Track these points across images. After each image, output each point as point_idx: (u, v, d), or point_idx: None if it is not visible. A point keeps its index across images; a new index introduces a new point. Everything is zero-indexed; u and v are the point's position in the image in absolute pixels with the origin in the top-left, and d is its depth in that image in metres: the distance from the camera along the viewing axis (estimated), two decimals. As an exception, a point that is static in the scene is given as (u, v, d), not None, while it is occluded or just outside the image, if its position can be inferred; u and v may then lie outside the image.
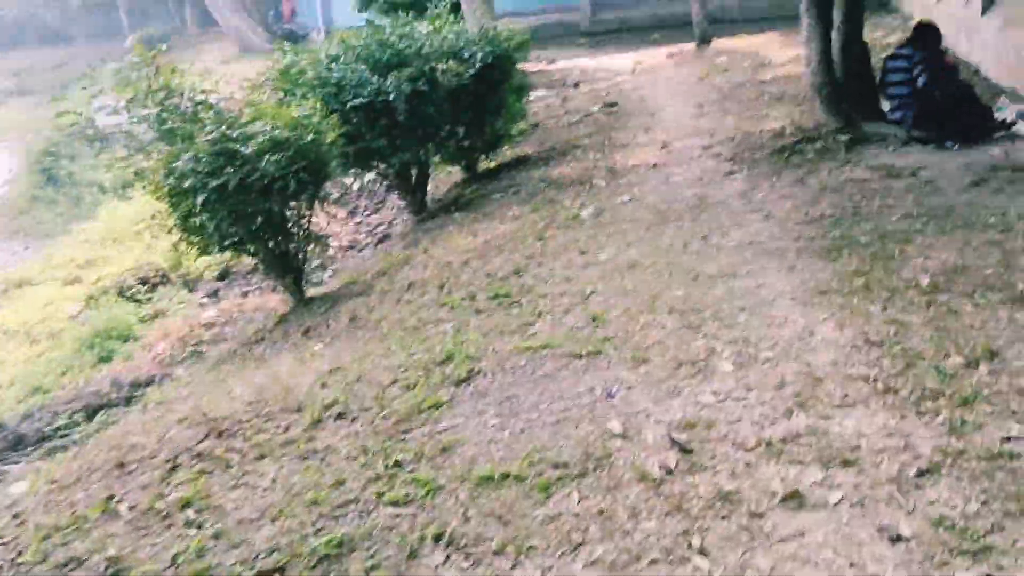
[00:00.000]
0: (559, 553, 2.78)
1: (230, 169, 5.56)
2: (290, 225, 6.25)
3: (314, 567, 2.88)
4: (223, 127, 5.73)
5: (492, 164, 10.15)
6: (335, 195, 14.83)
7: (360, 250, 11.84)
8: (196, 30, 34.26)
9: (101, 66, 28.40)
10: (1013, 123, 7.42)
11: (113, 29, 33.91)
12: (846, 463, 3.01)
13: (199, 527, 3.22)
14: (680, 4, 19.38)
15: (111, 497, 3.53)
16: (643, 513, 2.91)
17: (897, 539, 2.62)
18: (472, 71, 8.55)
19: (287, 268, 6.29)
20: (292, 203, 6.20)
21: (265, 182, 5.70)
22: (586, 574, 2.68)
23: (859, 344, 3.86)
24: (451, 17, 9.07)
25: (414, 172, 8.38)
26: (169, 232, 6.21)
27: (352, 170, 8.17)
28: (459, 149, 9.62)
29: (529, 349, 4.23)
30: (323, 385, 4.24)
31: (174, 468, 3.76)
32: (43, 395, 7.88)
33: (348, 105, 7.31)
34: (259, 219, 5.94)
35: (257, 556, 2.98)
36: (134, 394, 7.84)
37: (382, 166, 8.15)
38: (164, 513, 3.35)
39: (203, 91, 6.08)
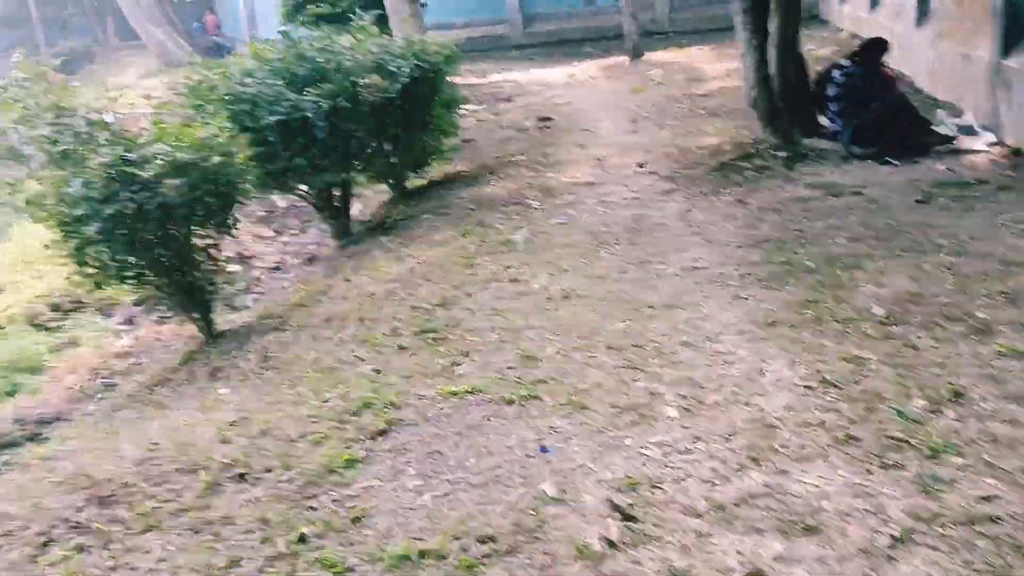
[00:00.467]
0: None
1: (126, 195, 5.05)
2: (196, 254, 5.73)
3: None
4: (119, 149, 5.20)
5: (422, 182, 9.74)
6: (261, 213, 14.27)
7: (287, 271, 11.30)
8: (118, 43, 33.19)
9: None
10: (953, 137, 7.27)
11: (34, 42, 32.59)
12: (809, 530, 2.67)
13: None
14: (612, 17, 19.27)
15: (-34, 584, 3.02)
16: (583, 598, 2.52)
17: (872, 626, 2.28)
18: (398, 86, 8.13)
19: (194, 301, 5.78)
20: (198, 230, 5.69)
21: (166, 209, 5.20)
22: None
23: (813, 384, 3.55)
24: (376, 30, 8.61)
25: (337, 193, 7.90)
26: (63, 264, 5.65)
27: (272, 192, 7.67)
28: (386, 167, 9.19)
29: (455, 395, 3.82)
30: (224, 440, 3.76)
31: (47, 543, 3.25)
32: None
33: (263, 122, 6.83)
34: (160, 249, 5.42)
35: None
36: (39, 432, 7.23)
37: (302, 187, 7.67)
38: (27, 604, 2.86)
39: (97, 110, 5.53)
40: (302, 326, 5.30)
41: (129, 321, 10.58)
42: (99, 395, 7.97)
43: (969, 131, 7.48)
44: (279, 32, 7.90)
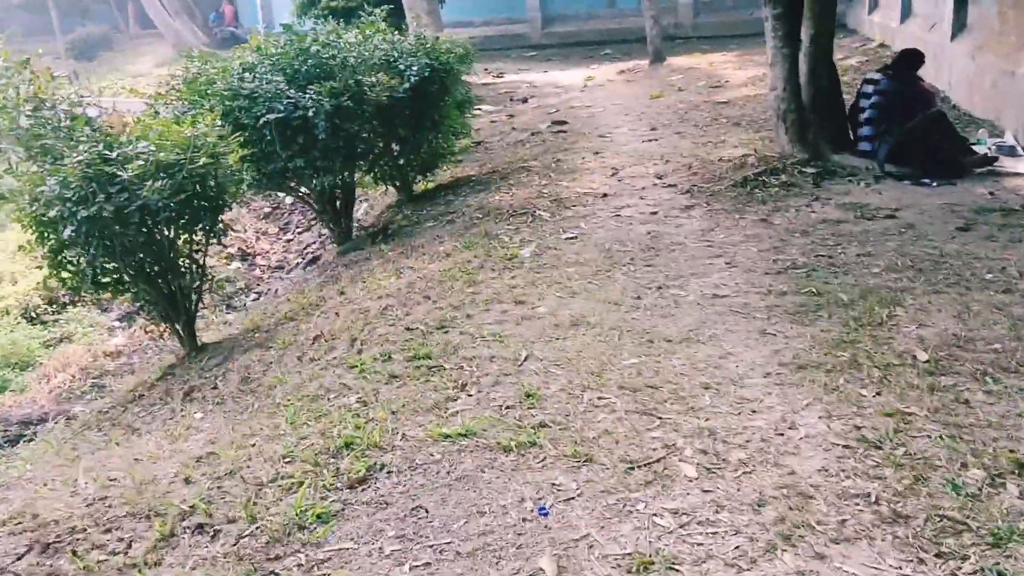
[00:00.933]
0: None
1: (102, 197, 4.66)
2: (181, 261, 5.35)
3: None
4: (99, 146, 4.82)
5: (429, 185, 9.35)
6: (267, 209, 13.90)
7: (289, 271, 10.97)
8: (138, 31, 32.89)
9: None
10: (994, 159, 6.83)
11: (63, 28, 32.35)
12: (852, 636, 2.25)
13: None
14: (633, 19, 18.83)
15: None
16: None
17: None
18: (407, 85, 7.73)
19: (176, 311, 5.39)
20: (184, 235, 5.31)
21: (147, 212, 4.81)
22: None
23: (852, 444, 3.12)
24: (384, 25, 8.21)
25: (338, 196, 7.50)
26: (39, 268, 5.28)
27: (269, 194, 7.29)
28: (393, 168, 8.81)
29: (447, 437, 3.40)
30: (187, 480, 3.37)
31: (-22, 596, 2.88)
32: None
33: (261, 121, 6.44)
34: (142, 254, 5.04)
35: None
36: (23, 433, 6.89)
37: (302, 189, 7.28)
38: None
39: (78, 103, 5.15)
40: (288, 344, 4.91)
41: (127, 317, 10.24)
42: (87, 396, 7.64)
43: (1011, 152, 7.04)
44: (280, 25, 7.46)
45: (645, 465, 3.10)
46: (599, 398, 3.63)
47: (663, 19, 16.80)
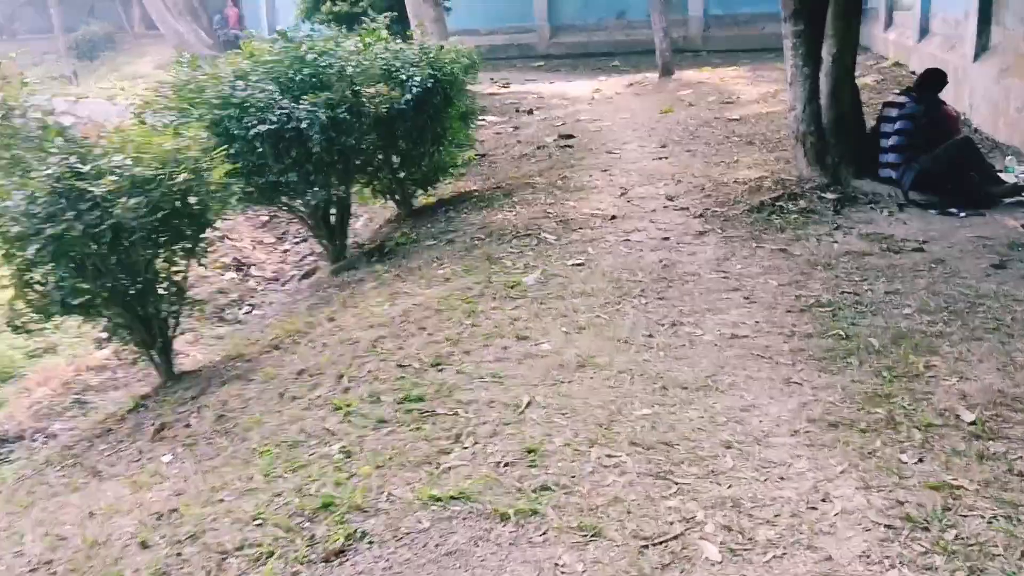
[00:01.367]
0: None
1: (71, 214, 4.31)
2: (159, 283, 4.99)
3: None
4: (71, 159, 4.47)
5: (430, 199, 8.99)
6: (265, 217, 13.50)
7: (284, 283, 10.62)
8: (143, 30, 32.61)
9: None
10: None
11: (65, 26, 32.07)
12: None
13: None
14: (642, 31, 18.51)
15: None
16: None
17: None
18: (409, 96, 7.39)
19: (152, 337, 5.02)
20: (164, 255, 4.95)
21: (121, 231, 4.45)
22: None
23: (896, 523, 2.75)
24: (385, 33, 7.87)
25: (333, 212, 7.14)
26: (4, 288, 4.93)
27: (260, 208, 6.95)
28: (393, 182, 8.46)
29: (438, 500, 3.03)
30: (143, 543, 3.00)
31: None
32: None
33: (252, 132, 6.08)
34: (115, 276, 4.67)
35: None
36: (-1, 453, 6.54)
37: (295, 204, 6.92)
38: None
39: (50, 111, 4.79)
40: (270, 377, 4.54)
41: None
42: (68, 413, 7.28)
43: (1042, 182, 6.68)
44: (275, 31, 7.12)
45: (661, 543, 2.73)
46: (608, 456, 3.26)
47: (673, 32, 16.47)
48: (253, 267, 11.72)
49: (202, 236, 5.01)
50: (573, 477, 3.13)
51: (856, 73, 11.95)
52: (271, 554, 2.82)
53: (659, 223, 6.52)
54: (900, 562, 2.57)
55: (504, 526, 2.87)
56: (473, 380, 4.03)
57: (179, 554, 2.90)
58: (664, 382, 3.86)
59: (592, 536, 2.78)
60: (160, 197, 4.54)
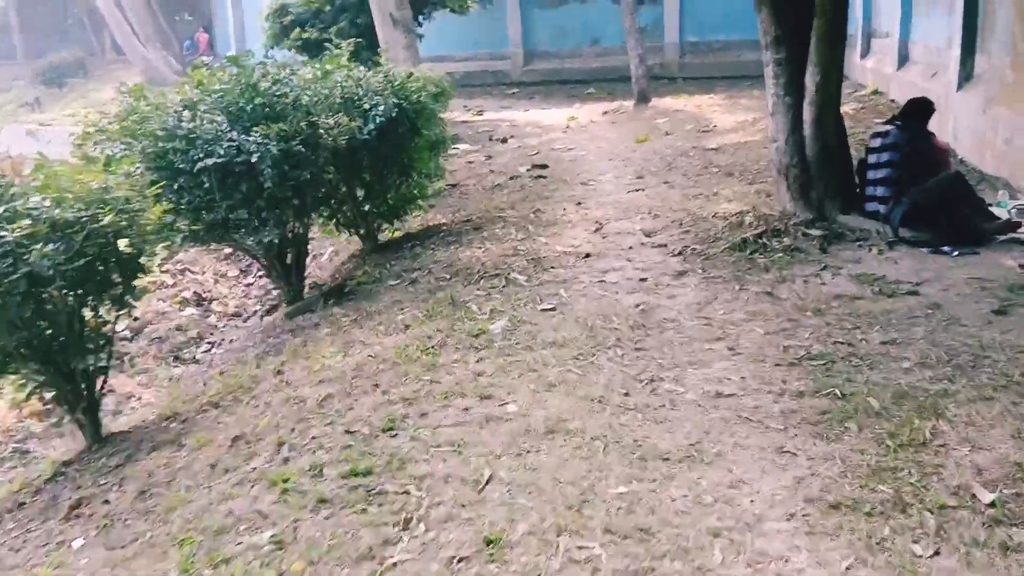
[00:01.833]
0: None
1: (-22, 263, 3.85)
2: (86, 336, 4.51)
3: None
4: (-17, 200, 4.01)
5: (396, 234, 8.58)
6: (228, 250, 13.01)
7: (246, 319, 10.16)
8: (114, 56, 32.16)
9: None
10: (1018, 223, 6.14)
11: (28, 51, 31.57)
12: None
13: None
14: (617, 58, 18.28)
15: None
16: None
17: None
18: (372, 126, 6.99)
19: (76, 396, 4.54)
20: (93, 303, 4.48)
21: (37, 280, 3.99)
22: None
23: (915, 638, 2.34)
24: (344, 60, 7.48)
25: (288, 251, 6.69)
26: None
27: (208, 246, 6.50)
28: (357, 216, 8.05)
29: (378, 608, 2.59)
30: (28, 664, 2.53)
31: None
32: None
33: (198, 166, 5.65)
34: (34, 329, 4.21)
35: None
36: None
37: (249, 240, 6.46)
38: None
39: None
40: (204, 443, 4.07)
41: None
42: (7, 464, 6.77)
43: (1034, 216, 6.36)
44: (225, 58, 6.70)
45: (640, 666, 2.30)
46: (579, 548, 2.83)
47: (649, 59, 16.22)
48: (215, 302, 11.24)
49: (134, 284, 4.54)
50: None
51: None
52: None
53: (636, 262, 6.13)
54: None
55: (455, 643, 2.43)
56: (429, 449, 3.59)
57: None
58: (643, 451, 3.44)
59: (559, 657, 2.35)
60: (83, 242, 4.08)
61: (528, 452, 3.49)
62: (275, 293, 10.42)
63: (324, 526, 3.09)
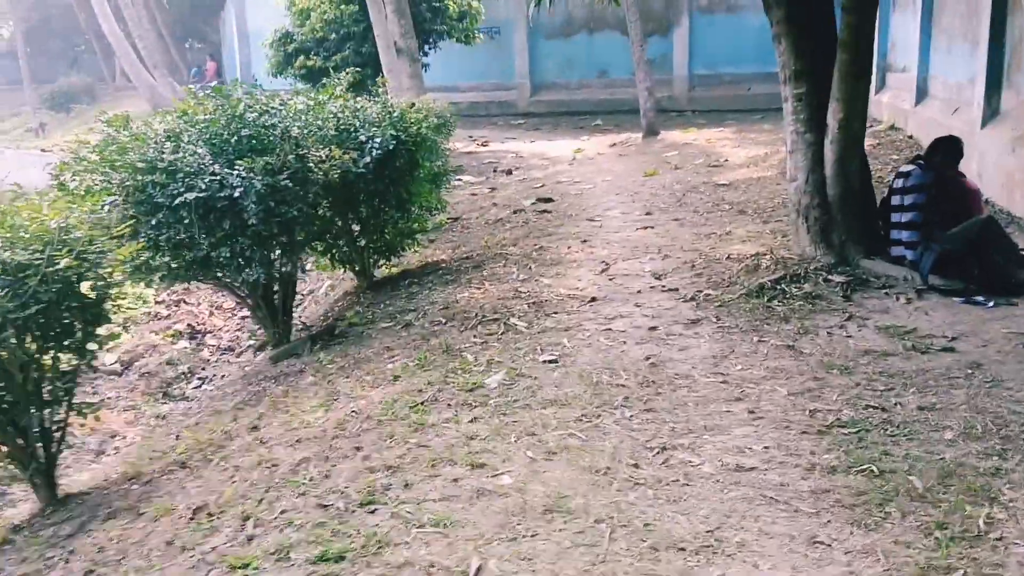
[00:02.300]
0: None
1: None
2: (40, 389, 4.11)
3: None
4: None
5: (393, 270, 8.20)
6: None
7: (239, 353, 9.77)
8: (124, 82, 32.09)
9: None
10: (1056, 273, 5.72)
11: (39, 77, 31.50)
12: None
13: None
14: (625, 90, 18.00)
15: None
16: None
17: None
18: (368, 159, 6.63)
19: (28, 455, 4.12)
20: (47, 354, 4.08)
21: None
22: None
23: None
24: (340, 90, 7.13)
25: (276, 290, 6.30)
26: None
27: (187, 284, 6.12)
28: (352, 251, 7.67)
29: None
30: None
31: None
32: None
33: (177, 200, 5.27)
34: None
35: None
36: None
37: (233, 279, 6.07)
38: None
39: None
40: (163, 513, 3.65)
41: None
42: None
43: (1073, 264, 5.93)
44: (210, 87, 6.35)
45: None
46: (580, 665, 2.40)
47: (657, 91, 15.91)
48: (208, 334, 10.87)
49: (97, 332, 4.14)
50: None
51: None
52: None
53: (645, 307, 5.73)
54: None
55: None
56: (411, 529, 3.16)
57: None
58: (655, 539, 3.00)
59: None
60: (37, 288, 3.69)
61: (523, 537, 3.06)
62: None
63: (285, 627, 2.67)
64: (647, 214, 9.04)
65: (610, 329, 5.33)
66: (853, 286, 5.75)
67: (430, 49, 16.19)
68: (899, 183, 6.18)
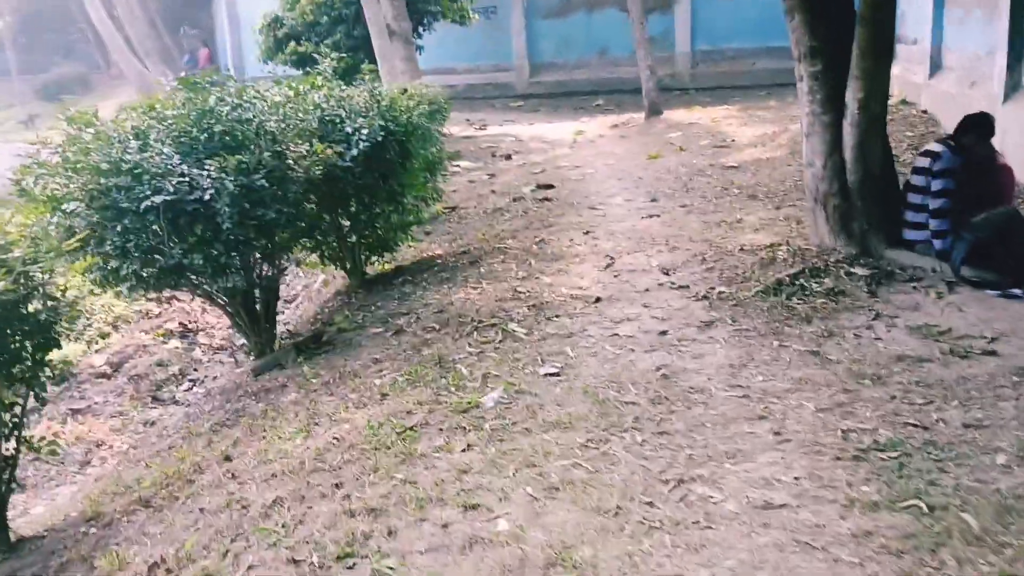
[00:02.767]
0: None
1: None
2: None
3: None
4: None
5: (387, 267, 7.77)
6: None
7: (231, 353, 9.42)
8: (119, 72, 31.58)
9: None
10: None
11: (33, 66, 31.02)
12: None
13: None
14: (626, 68, 17.49)
15: None
16: None
17: None
18: (354, 152, 6.20)
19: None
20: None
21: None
22: None
23: None
24: (321, 80, 6.68)
25: (257, 297, 5.88)
26: None
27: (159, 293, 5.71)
28: (342, 248, 7.26)
29: None
30: None
31: None
32: None
33: (143, 204, 4.85)
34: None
35: None
36: None
37: (209, 286, 5.65)
38: None
39: None
40: (117, 567, 3.25)
41: None
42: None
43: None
44: (176, 80, 5.91)
45: None
46: None
47: (659, 69, 15.40)
48: (200, 333, 10.50)
49: (47, 359, 3.73)
50: None
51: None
52: None
53: (654, 308, 5.30)
54: None
55: None
56: (394, 590, 2.76)
57: None
58: (674, 598, 2.60)
59: None
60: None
61: (522, 598, 2.66)
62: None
63: None
64: (652, 201, 8.60)
65: (617, 334, 4.90)
66: (878, 279, 5.32)
67: (424, 31, 15.70)
68: (924, 162, 5.71)
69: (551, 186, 9.94)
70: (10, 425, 3.77)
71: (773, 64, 16.21)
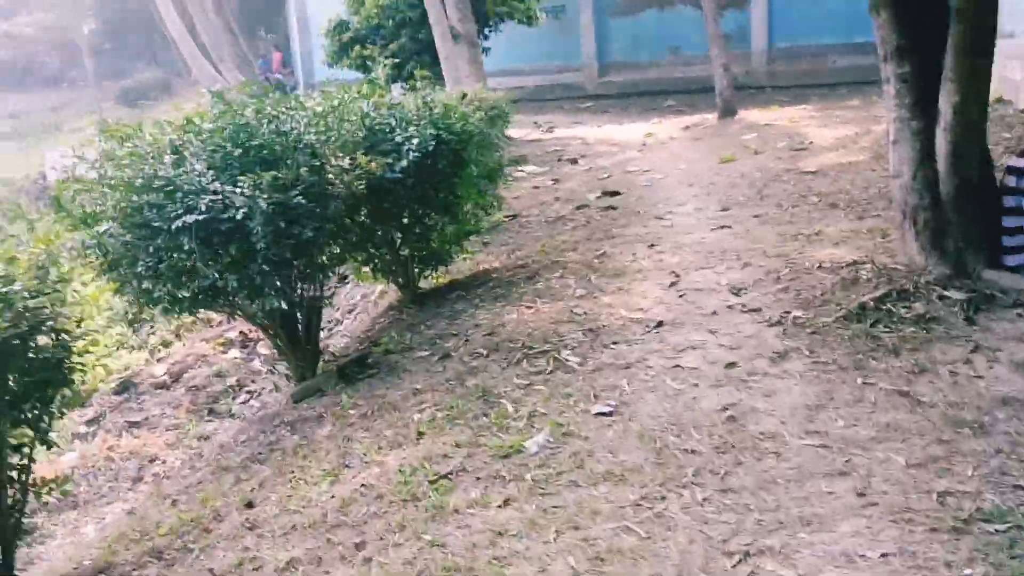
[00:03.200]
0: None
1: None
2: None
3: None
4: None
5: (441, 280, 7.45)
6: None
7: (271, 374, 9.25)
8: (199, 76, 32.23)
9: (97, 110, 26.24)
10: None
11: (118, 72, 31.87)
12: None
13: None
14: (699, 67, 16.87)
15: None
16: None
17: None
18: (404, 163, 5.87)
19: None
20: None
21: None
22: None
23: None
24: (367, 88, 6.37)
25: (299, 317, 5.59)
26: None
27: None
28: (393, 261, 6.96)
29: None
30: None
31: None
32: None
33: (175, 224, 4.59)
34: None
35: None
36: None
37: (248, 307, 5.38)
38: None
39: None
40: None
41: None
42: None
43: None
44: (209, 91, 5.65)
45: None
46: None
47: (734, 67, 14.78)
48: (260, 342, 10.35)
49: (54, 398, 3.46)
50: None
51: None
52: None
53: (721, 334, 4.83)
54: None
55: None
56: None
57: None
58: None
59: None
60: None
61: None
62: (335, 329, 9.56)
63: None
64: (724, 210, 8.08)
65: (679, 366, 4.45)
66: (976, 305, 4.74)
67: (490, 32, 15.39)
68: (1011, 181, 5.12)
69: (617, 193, 9.50)
70: (17, 468, 3.53)
71: (854, 61, 15.45)
